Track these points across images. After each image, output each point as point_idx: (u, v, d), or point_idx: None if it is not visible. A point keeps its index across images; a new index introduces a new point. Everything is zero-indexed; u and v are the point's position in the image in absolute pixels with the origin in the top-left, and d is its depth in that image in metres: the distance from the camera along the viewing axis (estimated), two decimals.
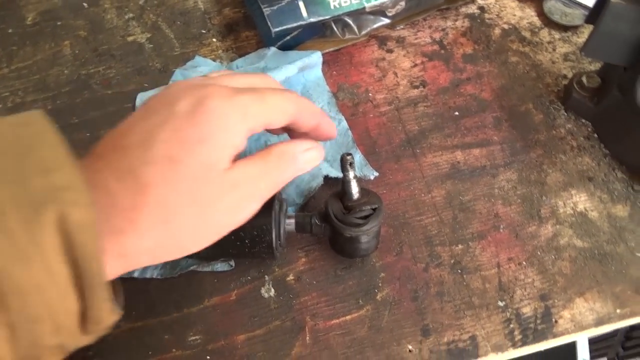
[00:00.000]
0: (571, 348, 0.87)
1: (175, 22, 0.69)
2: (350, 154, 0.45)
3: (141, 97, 0.60)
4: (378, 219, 0.46)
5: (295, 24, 0.56)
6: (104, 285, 0.29)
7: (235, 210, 0.37)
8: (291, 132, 0.43)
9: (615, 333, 1.27)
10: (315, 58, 0.59)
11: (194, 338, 0.47)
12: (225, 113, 0.34)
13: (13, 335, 0.27)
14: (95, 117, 0.61)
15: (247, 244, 0.45)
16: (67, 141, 0.31)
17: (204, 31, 0.68)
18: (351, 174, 0.45)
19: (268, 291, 0.49)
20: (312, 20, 0.56)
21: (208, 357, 0.46)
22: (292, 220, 0.47)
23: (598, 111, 0.54)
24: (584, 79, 0.55)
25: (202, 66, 0.64)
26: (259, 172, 0.37)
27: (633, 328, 1.21)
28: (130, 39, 0.68)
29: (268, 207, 0.45)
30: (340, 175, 0.52)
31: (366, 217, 0.45)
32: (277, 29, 0.55)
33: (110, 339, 0.47)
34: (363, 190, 0.47)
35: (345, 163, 0.45)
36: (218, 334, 0.47)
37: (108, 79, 0.65)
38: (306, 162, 0.40)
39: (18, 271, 0.27)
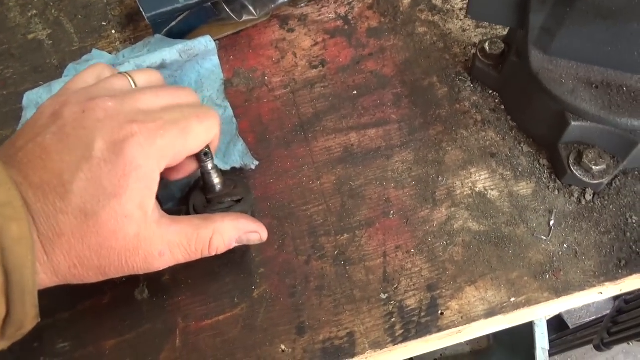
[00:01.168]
0: (529, 338, 0.82)
1: (77, 15, 0.66)
2: (205, 144, 0.42)
3: (27, 97, 0.58)
4: (241, 211, 0.42)
5: (170, 7, 0.52)
6: (34, 294, 0.32)
7: (148, 261, 0.37)
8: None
9: (601, 320, 1.21)
10: (204, 43, 0.56)
11: (62, 345, 0.44)
12: (145, 163, 0.34)
13: None
14: None
15: None
16: None
17: (104, 23, 0.65)
18: (209, 165, 0.42)
19: (142, 293, 0.46)
20: (189, 2, 0.53)
21: None
22: None
23: (501, 79, 0.49)
24: (487, 46, 0.50)
25: (96, 59, 0.61)
26: (184, 240, 0.38)
27: (620, 312, 1.15)
28: (31, 36, 0.65)
29: None
30: (222, 165, 0.49)
31: (228, 209, 0.42)
32: (150, 14, 0.52)
33: None
34: (228, 182, 0.44)
35: (199, 154, 0.42)
36: (87, 340, 0.44)
37: (4, 79, 0.62)
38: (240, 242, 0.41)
39: None
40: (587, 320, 1.43)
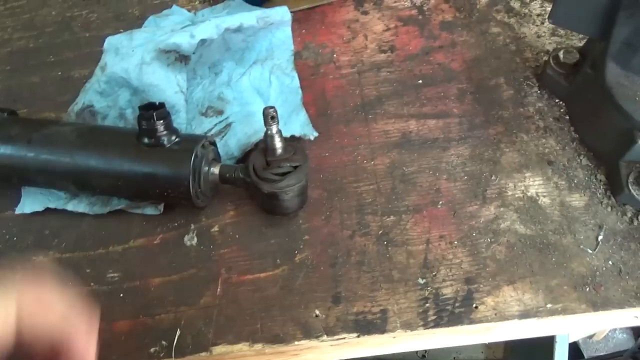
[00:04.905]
0: (548, 356, 0.81)
1: None
2: (272, 107, 0.43)
3: (109, 41, 0.61)
4: (297, 178, 0.44)
5: None
6: None
7: None
8: None
9: (619, 354, 1.18)
10: (281, 14, 0.57)
11: (112, 275, 0.48)
12: None
13: None
14: (70, 57, 0.63)
15: (167, 187, 0.45)
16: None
17: None
18: (274, 128, 0.44)
19: (191, 239, 0.49)
20: None
21: (121, 295, 0.46)
22: (217, 171, 0.46)
23: (571, 90, 0.49)
24: (561, 54, 0.49)
25: (176, 15, 0.63)
26: None
27: None
28: None
29: (188, 152, 0.44)
30: (285, 134, 0.51)
31: (285, 175, 0.44)
32: None
33: (35, 266, 0.49)
34: (289, 147, 0.45)
35: (266, 117, 0.43)
36: (135, 275, 0.47)
37: (88, 22, 0.66)
38: None
39: None
40: (604, 354, 1.40)
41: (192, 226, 0.49)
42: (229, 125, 0.53)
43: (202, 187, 0.46)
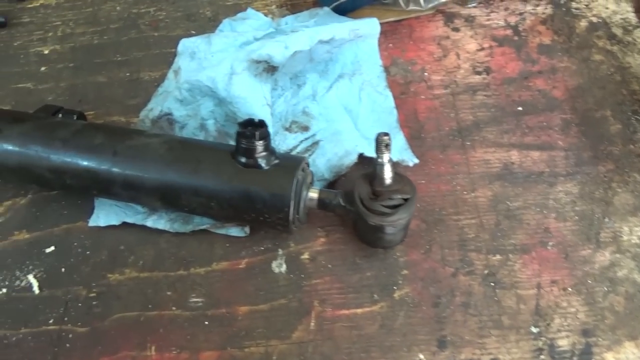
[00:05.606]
0: None
1: None
2: (387, 135, 0.40)
3: (184, 44, 0.57)
4: (408, 211, 0.41)
5: None
6: None
7: None
8: None
9: None
10: (371, 26, 0.54)
11: (195, 300, 0.44)
12: None
13: None
14: (138, 57, 0.59)
15: (264, 211, 0.42)
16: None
17: None
18: (385, 157, 0.41)
19: (279, 266, 0.45)
20: None
21: (206, 323, 0.43)
22: (315, 196, 0.43)
23: None
24: None
25: (252, 19, 0.60)
26: None
27: None
28: None
29: (289, 176, 0.41)
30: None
31: (395, 207, 0.41)
32: None
33: (114, 284, 0.45)
34: (397, 176, 0.42)
35: (380, 144, 0.40)
36: (220, 301, 0.44)
37: (157, 20, 0.62)
38: None
39: None
40: None
41: (280, 251, 0.46)
42: (316, 143, 0.50)
43: (300, 213, 0.43)
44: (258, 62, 0.49)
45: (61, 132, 0.45)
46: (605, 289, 0.43)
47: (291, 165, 0.42)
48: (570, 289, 0.43)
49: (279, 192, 0.41)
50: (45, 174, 0.44)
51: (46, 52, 0.61)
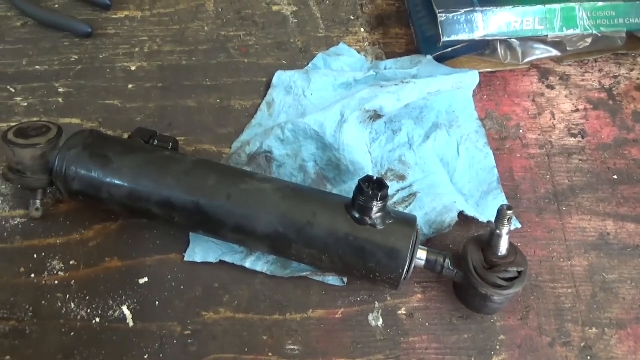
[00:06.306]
0: None
1: (325, 1, 0.65)
2: (511, 209, 0.40)
3: (279, 76, 0.57)
4: (522, 284, 0.41)
5: (467, 37, 0.51)
6: None
7: None
8: None
9: None
10: (471, 78, 0.54)
11: (292, 348, 0.45)
12: None
13: None
14: (228, 84, 0.59)
15: (376, 270, 0.42)
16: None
17: (352, 17, 0.63)
18: (505, 230, 0.41)
19: (376, 319, 0.46)
20: (487, 36, 0.51)
21: None
22: (424, 256, 0.44)
23: None
24: None
25: (346, 55, 0.60)
26: None
27: None
28: (275, 8, 0.64)
29: (407, 238, 0.41)
30: (478, 216, 0.48)
31: (510, 280, 0.41)
32: (447, 39, 0.50)
33: (209, 322, 0.46)
34: (511, 248, 0.42)
35: (503, 217, 0.40)
36: (317, 351, 0.45)
37: (247, 46, 0.62)
38: None
39: None
40: None
41: (377, 304, 0.46)
42: (413, 195, 0.50)
43: (409, 273, 0.43)
44: (367, 110, 0.49)
45: (173, 168, 0.44)
46: None
47: (407, 225, 0.42)
48: None
49: (396, 253, 0.41)
50: (153, 209, 0.44)
51: (133, 68, 0.60)
